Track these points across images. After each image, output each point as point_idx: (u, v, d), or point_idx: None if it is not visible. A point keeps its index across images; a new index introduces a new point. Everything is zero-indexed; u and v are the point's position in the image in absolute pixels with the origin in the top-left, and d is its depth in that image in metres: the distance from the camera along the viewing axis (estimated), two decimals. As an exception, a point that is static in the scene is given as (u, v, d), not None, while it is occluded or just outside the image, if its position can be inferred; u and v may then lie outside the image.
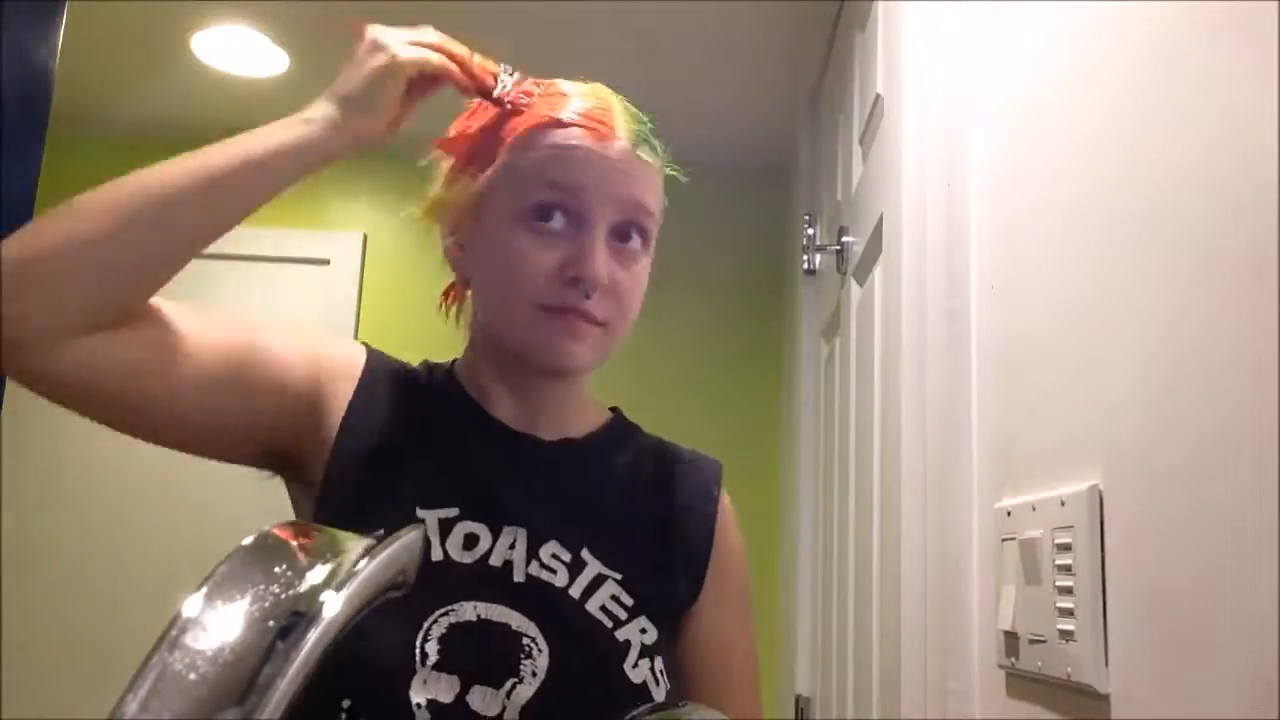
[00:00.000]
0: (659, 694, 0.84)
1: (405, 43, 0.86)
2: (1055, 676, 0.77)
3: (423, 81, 0.88)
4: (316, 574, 0.37)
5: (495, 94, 0.89)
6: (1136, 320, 0.69)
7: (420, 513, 0.83)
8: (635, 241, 0.89)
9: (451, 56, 0.88)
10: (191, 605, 0.35)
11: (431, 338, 1.01)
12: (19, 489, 2.51)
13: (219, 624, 0.34)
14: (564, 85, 0.91)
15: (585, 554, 0.86)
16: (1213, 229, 0.60)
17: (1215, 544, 0.58)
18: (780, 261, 2.74)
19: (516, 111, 0.89)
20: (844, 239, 1.80)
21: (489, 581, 0.82)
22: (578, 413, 0.95)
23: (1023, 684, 0.86)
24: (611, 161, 0.86)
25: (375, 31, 0.87)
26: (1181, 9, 0.66)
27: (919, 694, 1.09)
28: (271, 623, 0.35)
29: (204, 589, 0.36)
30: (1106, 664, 0.70)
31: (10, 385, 0.89)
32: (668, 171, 0.92)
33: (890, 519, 1.25)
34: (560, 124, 0.86)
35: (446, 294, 0.98)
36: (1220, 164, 0.60)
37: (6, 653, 2.35)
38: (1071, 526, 0.75)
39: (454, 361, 0.97)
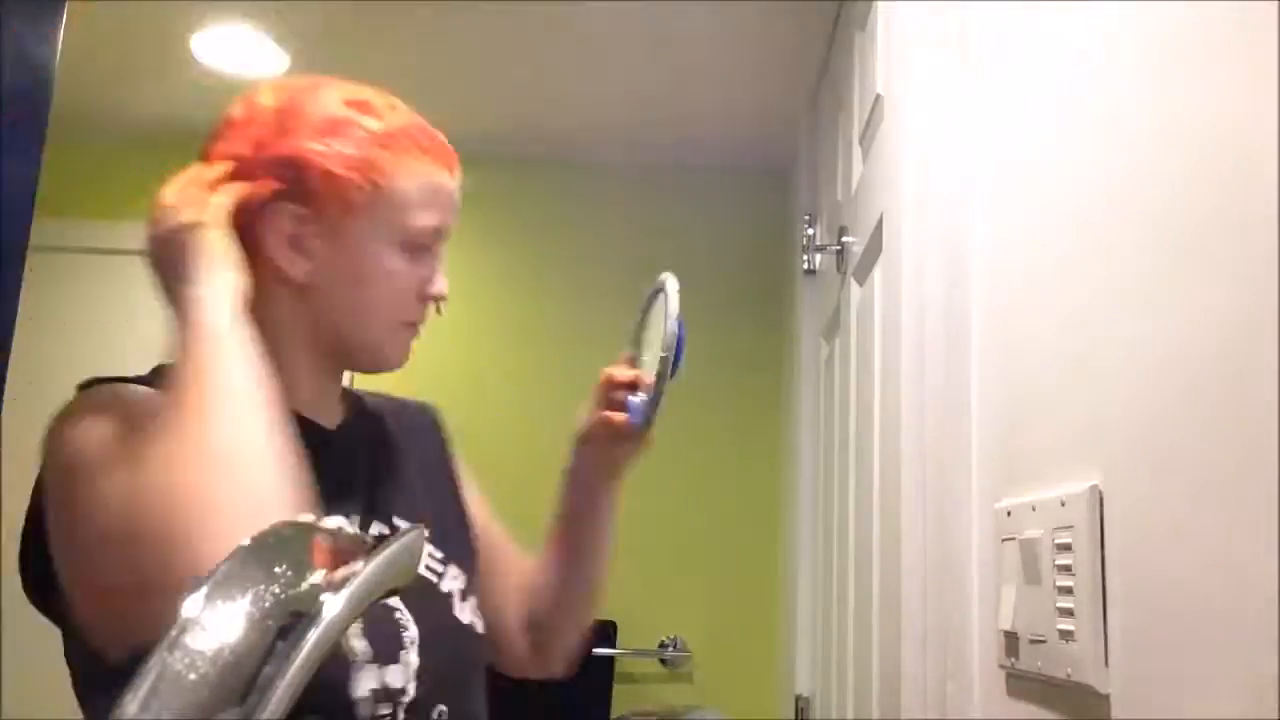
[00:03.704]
0: (481, 629, 0.97)
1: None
2: (1055, 676, 0.77)
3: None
4: (316, 574, 0.37)
5: None
6: (1136, 320, 0.69)
7: None
8: None
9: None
10: (191, 605, 0.35)
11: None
12: (19, 488, 2.51)
13: (219, 624, 0.34)
14: (397, 105, 0.95)
15: (397, 521, 0.95)
16: (1213, 228, 0.60)
17: (1215, 544, 0.58)
18: (780, 261, 2.74)
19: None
20: (844, 239, 1.80)
21: None
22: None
23: (1023, 684, 0.86)
24: (455, 194, 0.97)
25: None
26: (1183, 9, 0.66)
27: (919, 694, 1.09)
28: (271, 623, 0.35)
29: (204, 589, 0.35)
30: (1106, 664, 0.70)
31: (10, 385, 0.88)
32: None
33: (890, 519, 1.25)
34: (434, 155, 0.93)
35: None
36: (1221, 163, 0.60)
37: (6, 653, 2.35)
38: (1071, 526, 0.75)
39: None
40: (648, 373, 1.04)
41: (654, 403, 1.01)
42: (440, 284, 0.95)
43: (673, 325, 1.00)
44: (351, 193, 0.88)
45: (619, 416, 1.04)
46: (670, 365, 1.00)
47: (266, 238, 0.89)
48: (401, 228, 0.90)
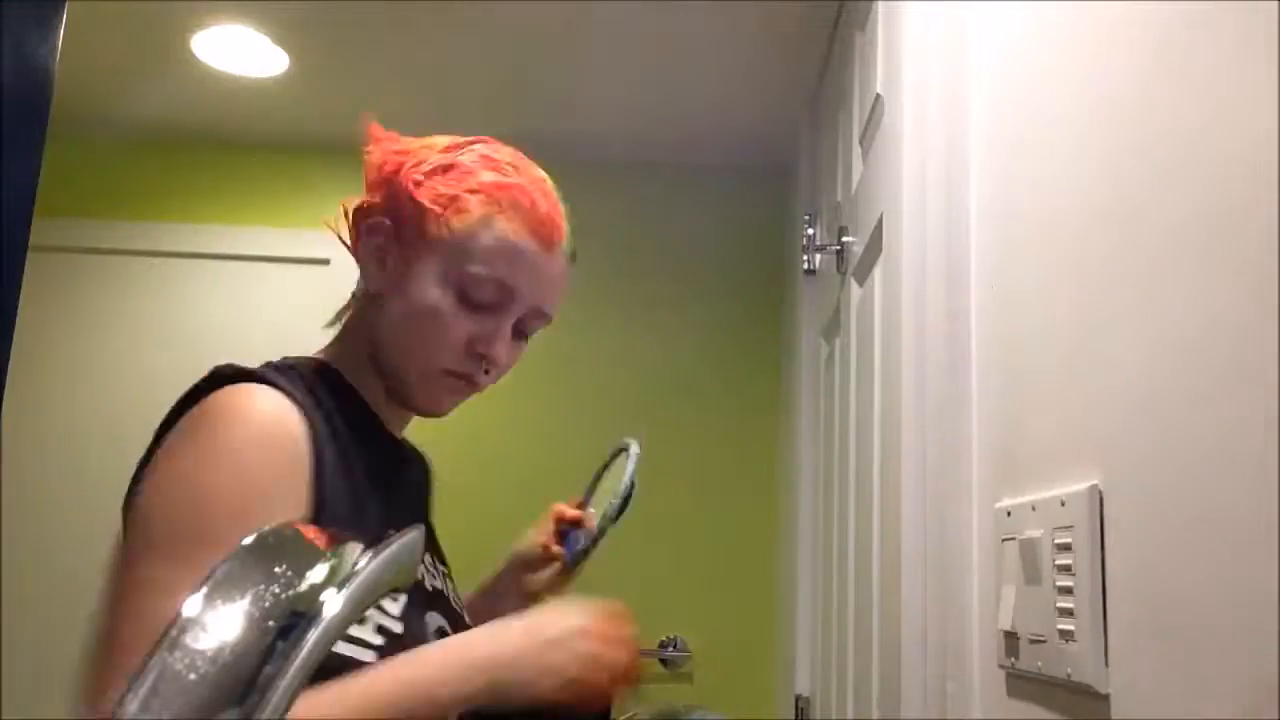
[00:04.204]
0: None
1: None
2: (1055, 676, 0.77)
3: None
4: (316, 574, 0.37)
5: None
6: (1137, 320, 0.69)
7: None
8: (525, 338, 1.01)
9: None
10: (191, 605, 0.35)
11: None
12: (19, 486, 2.51)
13: (219, 624, 0.34)
14: (528, 170, 0.99)
15: (437, 554, 1.04)
16: (1213, 228, 0.60)
17: (1215, 543, 0.58)
18: (780, 261, 2.74)
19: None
20: (844, 239, 1.80)
21: (423, 593, 0.94)
22: None
23: (1023, 684, 0.86)
24: (547, 272, 0.96)
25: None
26: (1183, 9, 0.66)
27: (919, 694, 1.09)
28: (271, 623, 0.35)
29: (204, 589, 0.35)
30: (1106, 664, 0.70)
31: (10, 385, 0.88)
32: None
33: (890, 519, 1.25)
34: (530, 223, 0.94)
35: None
36: (1220, 163, 0.60)
37: (6, 652, 2.35)
38: (1071, 526, 0.75)
39: (327, 362, 0.99)
40: (591, 519, 1.13)
41: (586, 551, 1.11)
42: (493, 345, 0.95)
43: (626, 486, 1.10)
44: (429, 224, 0.92)
45: (556, 547, 1.12)
46: (611, 521, 1.10)
47: (359, 244, 0.96)
48: (459, 272, 0.92)
